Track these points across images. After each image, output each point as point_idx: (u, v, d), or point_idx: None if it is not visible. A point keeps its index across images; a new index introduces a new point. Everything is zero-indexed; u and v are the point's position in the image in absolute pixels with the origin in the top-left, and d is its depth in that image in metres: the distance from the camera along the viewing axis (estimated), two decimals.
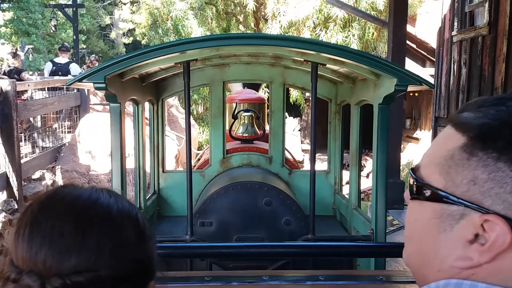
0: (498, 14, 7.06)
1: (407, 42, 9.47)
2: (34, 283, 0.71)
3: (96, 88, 2.82)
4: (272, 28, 12.63)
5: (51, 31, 19.42)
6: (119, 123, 3.01)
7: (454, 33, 8.44)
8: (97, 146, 7.42)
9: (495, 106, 0.64)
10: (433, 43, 11.57)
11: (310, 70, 3.05)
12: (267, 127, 4.79)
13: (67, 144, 7.65)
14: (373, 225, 3.00)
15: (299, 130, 15.13)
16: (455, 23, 8.44)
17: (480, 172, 0.61)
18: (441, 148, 0.67)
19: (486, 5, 7.34)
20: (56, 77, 8.20)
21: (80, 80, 2.80)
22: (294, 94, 12.91)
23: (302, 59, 3.08)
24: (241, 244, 1.85)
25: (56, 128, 7.90)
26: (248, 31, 13.95)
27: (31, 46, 24.91)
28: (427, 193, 0.66)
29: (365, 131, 3.61)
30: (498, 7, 7.06)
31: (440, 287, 0.63)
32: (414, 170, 0.70)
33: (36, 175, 6.54)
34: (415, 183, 0.69)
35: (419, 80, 2.80)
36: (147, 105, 4.01)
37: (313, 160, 3.12)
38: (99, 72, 2.75)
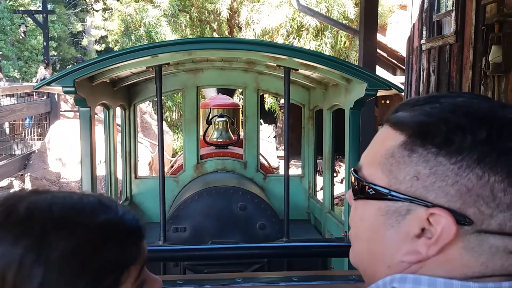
0: (464, 23, 7.30)
1: (378, 51, 9.68)
2: None
3: (65, 92, 2.77)
4: (246, 36, 12.70)
5: (20, 37, 18.99)
6: (89, 128, 2.96)
7: (423, 41, 8.67)
8: (68, 153, 7.27)
9: (429, 103, 0.66)
10: (403, 51, 11.85)
11: (283, 75, 3.08)
12: (241, 133, 4.80)
13: (36, 151, 7.47)
14: (346, 228, 3.03)
15: (274, 137, 15.19)
16: (424, 32, 8.68)
17: (422, 168, 0.62)
18: (381, 147, 0.68)
19: (453, 14, 7.58)
20: (25, 83, 8.01)
21: (48, 84, 2.74)
22: (269, 101, 12.98)
23: (275, 64, 3.11)
24: (214, 247, 1.84)
25: (25, 135, 7.71)
26: None
27: None
28: (371, 192, 0.67)
29: (338, 138, 3.66)
30: (464, 16, 7.31)
31: (386, 283, 0.64)
32: (356, 171, 0.71)
33: (4, 182, 6.34)
34: (358, 183, 0.70)
35: (388, 85, 2.86)
36: (118, 111, 3.95)
37: (287, 164, 3.14)
38: (68, 76, 2.70)
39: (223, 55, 3.23)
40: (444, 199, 0.61)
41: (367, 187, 0.68)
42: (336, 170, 12.27)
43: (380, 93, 2.95)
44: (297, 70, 3.14)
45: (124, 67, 2.98)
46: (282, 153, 14.09)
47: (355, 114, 3.07)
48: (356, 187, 0.71)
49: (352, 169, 0.73)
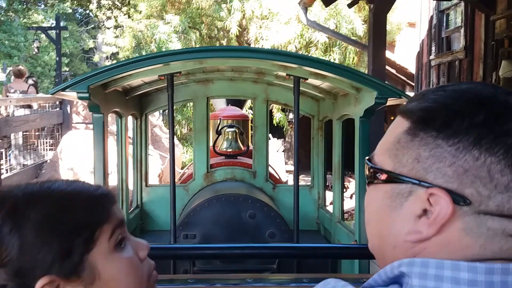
0: (473, 39, 7.34)
1: (387, 67, 9.73)
2: None
3: (80, 98, 2.83)
4: None
5: (34, 52, 19.35)
6: (102, 135, 3.00)
7: (432, 57, 8.71)
8: (79, 163, 7.34)
9: (435, 92, 0.70)
10: (412, 68, 11.91)
11: (293, 85, 3.11)
12: (250, 145, 4.83)
13: (48, 161, 7.55)
14: (357, 236, 3.02)
15: (283, 151, 15.20)
16: (433, 48, 8.72)
17: (422, 151, 0.65)
18: (390, 135, 0.72)
19: (462, 30, 7.63)
20: (38, 95, 8.16)
21: (63, 90, 2.80)
22: (278, 116, 13.03)
23: (285, 73, 3.14)
24: (224, 246, 1.86)
25: (37, 145, 7.81)
26: None
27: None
28: (380, 176, 0.71)
29: (347, 154, 3.67)
30: (473, 32, 7.35)
31: (394, 268, 0.66)
32: (370, 159, 0.75)
33: None
34: (369, 170, 0.74)
35: (398, 93, 2.88)
36: (130, 124, 4.00)
37: (296, 173, 3.14)
38: (82, 82, 2.75)
39: (233, 64, 3.27)
40: (442, 179, 0.63)
41: (376, 172, 0.72)
42: (346, 186, 12.22)
43: (389, 102, 2.97)
44: (307, 79, 3.17)
45: (137, 75, 3.03)
46: (290, 167, 14.09)
47: (364, 123, 3.08)
48: (368, 173, 0.75)
49: (366, 157, 0.77)
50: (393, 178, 0.68)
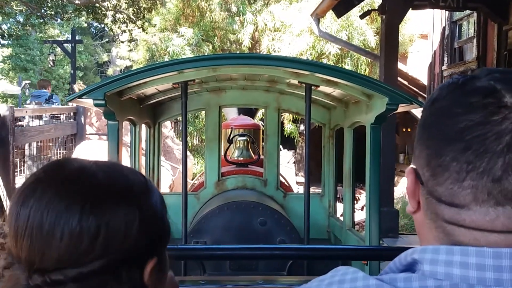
0: (486, 49, 7.31)
1: (399, 79, 9.72)
2: (22, 276, 0.66)
3: (96, 105, 2.87)
4: None
5: (49, 65, 19.72)
6: (116, 142, 3.04)
7: (444, 67, 8.69)
8: None
9: None
10: (424, 80, 11.85)
11: (304, 93, 3.12)
12: (261, 155, 4.84)
13: None
14: (367, 242, 3.01)
15: (294, 163, 15.18)
16: (445, 58, 8.70)
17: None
18: None
19: (474, 41, 7.61)
20: (53, 106, 8.31)
21: (80, 97, 2.85)
22: (289, 127, 13.04)
23: (297, 81, 3.16)
24: (235, 247, 1.87)
25: (51, 156, 7.93)
26: None
27: (28, 82, 25.19)
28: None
29: (358, 165, 3.66)
30: (485, 42, 7.33)
31: (408, 255, 0.68)
32: None
33: None
34: None
35: (409, 99, 2.89)
36: (143, 135, 4.04)
37: (307, 178, 3.15)
38: (99, 89, 2.80)
39: (246, 71, 3.31)
40: (413, 161, 0.71)
41: None
42: (357, 197, 12.13)
43: (400, 108, 2.97)
44: (318, 86, 3.18)
45: (152, 82, 3.08)
46: (301, 179, 14.05)
47: (376, 130, 3.08)
48: None
49: None
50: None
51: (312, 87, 3.12)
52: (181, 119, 3.26)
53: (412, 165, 0.71)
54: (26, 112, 6.92)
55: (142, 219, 0.72)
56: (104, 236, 0.67)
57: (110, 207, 0.69)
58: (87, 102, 2.94)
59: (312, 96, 3.15)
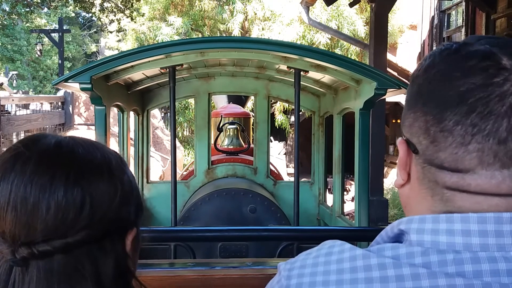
0: None
1: (389, 69, 9.74)
2: (6, 250, 0.65)
3: (82, 89, 2.82)
4: None
5: (37, 55, 19.45)
6: (104, 127, 3.00)
7: None
8: None
9: None
10: (413, 70, 11.90)
11: (293, 79, 3.10)
12: (251, 143, 4.82)
13: None
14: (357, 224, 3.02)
15: (284, 154, 15.20)
16: (434, 48, 8.74)
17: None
18: None
19: (463, 30, 7.64)
20: (40, 95, 8.19)
21: (66, 80, 2.80)
22: (279, 118, 13.05)
23: (286, 66, 3.14)
24: (224, 228, 1.86)
25: None
26: None
27: (15, 72, 24.86)
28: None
29: (347, 156, 3.66)
30: (474, 31, 7.36)
31: (394, 226, 0.68)
32: None
33: None
34: None
35: (397, 84, 2.88)
36: (132, 126, 3.99)
37: (297, 164, 3.15)
38: (85, 73, 2.75)
39: (235, 56, 3.27)
40: (404, 131, 0.70)
41: None
42: (346, 188, 12.19)
43: (389, 93, 2.97)
44: (308, 72, 3.17)
45: (139, 67, 3.03)
46: (292, 170, 14.10)
47: (364, 115, 3.08)
48: None
49: None
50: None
51: (301, 72, 3.10)
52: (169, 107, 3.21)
53: (403, 136, 0.70)
54: (13, 100, 6.82)
55: (123, 190, 0.73)
56: (89, 207, 0.68)
57: (93, 179, 0.70)
58: (74, 86, 2.89)
59: (301, 83, 3.12)
